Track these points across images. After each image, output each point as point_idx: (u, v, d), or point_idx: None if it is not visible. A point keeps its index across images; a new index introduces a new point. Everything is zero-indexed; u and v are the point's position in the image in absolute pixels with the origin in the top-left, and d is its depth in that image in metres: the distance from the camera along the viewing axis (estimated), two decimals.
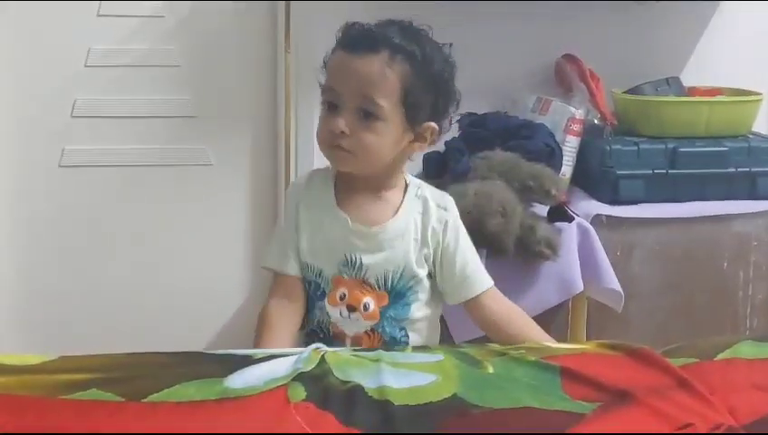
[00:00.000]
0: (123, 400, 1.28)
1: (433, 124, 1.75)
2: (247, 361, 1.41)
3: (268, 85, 2.76)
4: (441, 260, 1.80)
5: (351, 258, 1.75)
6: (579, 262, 2.33)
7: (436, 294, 1.83)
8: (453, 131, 2.45)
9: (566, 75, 2.75)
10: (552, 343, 1.82)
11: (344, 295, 1.76)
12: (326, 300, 1.76)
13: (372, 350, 1.51)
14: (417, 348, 1.54)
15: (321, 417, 1.27)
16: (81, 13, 2.63)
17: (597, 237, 2.38)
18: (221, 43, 2.72)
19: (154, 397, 1.29)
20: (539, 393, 1.34)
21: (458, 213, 1.84)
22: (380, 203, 1.78)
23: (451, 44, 1.76)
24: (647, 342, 1.58)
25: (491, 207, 2.17)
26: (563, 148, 2.57)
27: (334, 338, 1.77)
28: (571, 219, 2.37)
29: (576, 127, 2.61)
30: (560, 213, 2.38)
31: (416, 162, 2.16)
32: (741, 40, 2.92)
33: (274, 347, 1.66)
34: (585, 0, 2.75)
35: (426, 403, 1.30)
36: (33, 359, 1.40)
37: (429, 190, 1.83)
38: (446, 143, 2.41)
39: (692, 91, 2.78)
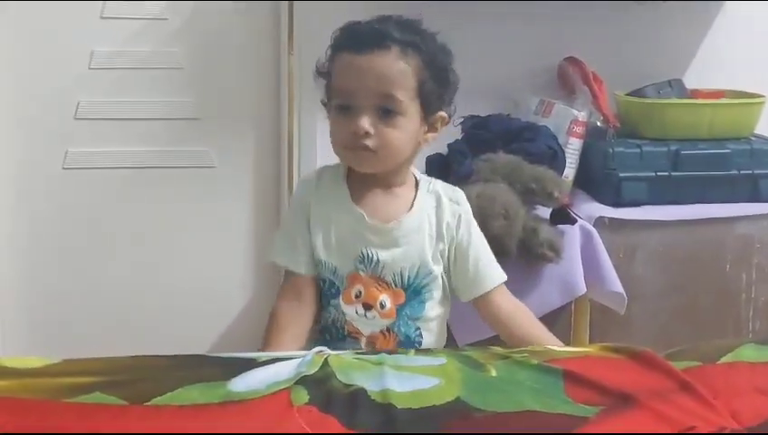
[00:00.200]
0: (126, 403, 1.28)
1: (443, 113, 1.77)
2: (250, 364, 1.41)
3: (271, 87, 2.76)
4: (455, 255, 1.81)
5: (367, 255, 1.74)
6: (581, 264, 2.33)
7: (447, 292, 1.83)
8: (456, 133, 2.46)
9: (569, 77, 2.75)
10: (555, 346, 1.83)
11: (360, 293, 1.75)
12: (341, 298, 1.75)
13: (375, 353, 1.51)
14: (419, 351, 1.54)
15: (324, 420, 1.27)
16: (85, 15, 2.64)
17: (600, 240, 2.38)
18: (224, 44, 2.73)
19: (157, 400, 1.29)
20: (542, 397, 1.34)
21: (470, 207, 1.86)
22: (394, 199, 1.79)
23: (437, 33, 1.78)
24: (649, 344, 1.57)
25: (493, 210, 2.17)
26: (566, 150, 2.57)
27: (348, 337, 1.76)
28: (573, 222, 2.37)
29: (579, 129, 2.61)
30: (562, 215, 2.38)
31: (418, 164, 2.16)
32: (744, 42, 2.92)
33: (284, 350, 1.65)
34: (588, 0, 2.75)
35: (428, 406, 1.30)
36: (36, 362, 1.40)
37: (441, 185, 1.85)
38: (449, 145, 2.41)
39: (695, 93, 2.78)
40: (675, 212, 2.53)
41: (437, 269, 1.79)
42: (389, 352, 1.51)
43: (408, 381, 1.36)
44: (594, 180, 2.62)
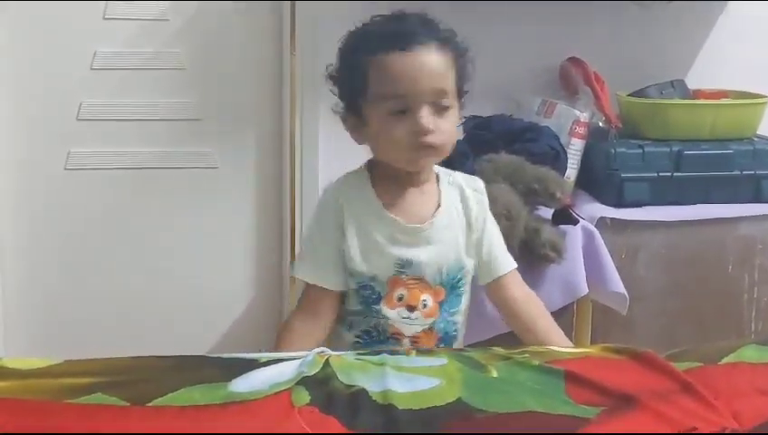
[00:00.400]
0: (128, 404, 1.28)
1: (462, 101, 1.80)
2: (252, 365, 1.41)
3: (273, 88, 2.76)
4: (481, 240, 1.84)
5: (407, 258, 1.75)
6: (583, 265, 2.34)
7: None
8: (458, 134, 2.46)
9: (571, 78, 2.75)
10: (561, 338, 1.85)
11: (402, 296, 1.76)
12: (383, 303, 1.75)
13: (377, 354, 1.51)
14: (420, 352, 1.54)
15: (325, 421, 1.27)
16: (87, 16, 2.64)
17: (602, 240, 2.38)
18: (226, 45, 2.73)
19: (158, 401, 1.29)
20: (543, 397, 1.34)
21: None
22: (423, 197, 1.79)
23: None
24: (651, 345, 1.57)
25: (495, 210, 2.16)
26: (568, 151, 2.58)
27: (390, 339, 1.76)
28: (575, 222, 2.37)
29: (581, 130, 2.61)
30: (564, 216, 2.38)
31: None
32: (746, 43, 2.92)
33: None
34: (590, 0, 2.74)
35: (430, 407, 1.30)
36: (38, 363, 1.40)
37: (460, 176, 1.86)
38: None
39: (697, 93, 2.78)
40: (677, 213, 2.53)
41: (470, 262, 1.82)
42: (391, 353, 1.51)
43: (409, 381, 1.36)
44: (596, 181, 2.62)
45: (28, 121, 2.67)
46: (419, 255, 1.75)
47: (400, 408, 1.29)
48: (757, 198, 2.60)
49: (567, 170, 2.56)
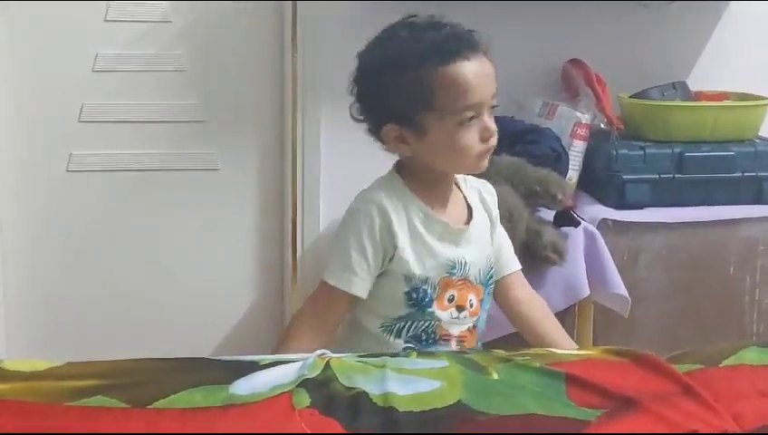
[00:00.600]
0: (129, 406, 1.28)
1: None
2: (253, 367, 1.40)
3: (275, 89, 2.76)
4: (494, 239, 1.89)
5: (455, 258, 1.77)
6: (585, 267, 2.34)
7: None
8: None
9: (572, 80, 2.75)
10: (564, 339, 1.87)
11: (453, 297, 1.78)
12: (435, 305, 1.77)
13: (378, 355, 1.51)
14: (421, 354, 1.54)
15: (326, 423, 1.27)
16: (89, 18, 2.64)
17: (603, 242, 2.38)
18: (227, 47, 2.73)
19: (159, 403, 1.29)
20: (543, 400, 1.34)
21: None
22: (456, 200, 1.83)
23: None
24: (653, 346, 1.57)
25: None
26: (570, 152, 2.58)
27: (439, 340, 1.79)
28: (577, 224, 2.37)
29: (582, 131, 2.61)
30: (566, 218, 2.38)
31: None
32: (748, 44, 2.92)
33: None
34: (592, 0, 2.74)
35: (430, 410, 1.30)
36: (39, 365, 1.40)
37: (473, 179, 1.89)
38: None
39: (699, 95, 2.78)
40: (678, 214, 2.53)
41: (493, 259, 1.86)
42: (393, 356, 1.51)
43: (409, 384, 1.36)
44: (598, 182, 2.62)
45: (30, 123, 2.67)
46: (465, 255, 1.78)
47: (401, 410, 1.29)
48: (758, 200, 2.60)
49: (568, 172, 2.56)
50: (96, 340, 2.70)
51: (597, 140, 2.65)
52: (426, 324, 1.77)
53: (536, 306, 1.93)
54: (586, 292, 2.33)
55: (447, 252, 1.77)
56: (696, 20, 2.89)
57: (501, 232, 1.93)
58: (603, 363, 1.49)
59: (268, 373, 1.38)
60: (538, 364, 1.45)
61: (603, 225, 2.46)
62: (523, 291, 1.93)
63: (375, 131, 1.77)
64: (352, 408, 1.30)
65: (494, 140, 1.73)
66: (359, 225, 1.75)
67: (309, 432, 1.25)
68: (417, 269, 1.75)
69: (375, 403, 1.31)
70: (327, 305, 1.78)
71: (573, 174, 2.60)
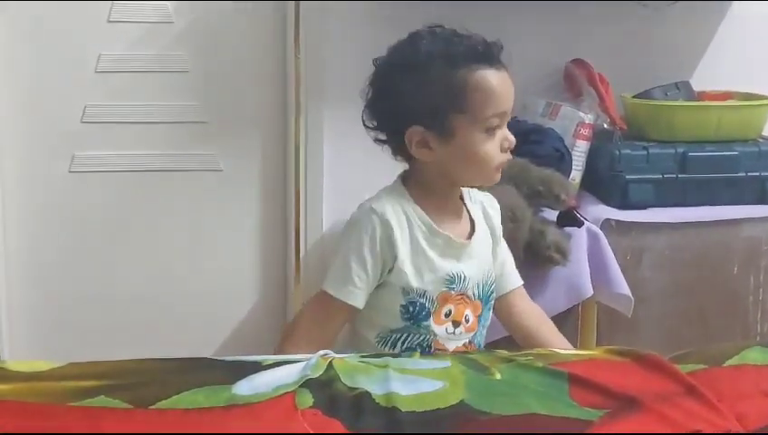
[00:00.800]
0: (131, 406, 1.28)
1: None
2: (255, 367, 1.41)
3: (277, 90, 2.76)
4: (496, 255, 1.88)
5: (455, 273, 1.76)
6: (588, 267, 2.34)
7: None
8: None
9: (575, 80, 2.75)
10: (564, 350, 1.84)
11: (450, 312, 1.77)
12: (431, 319, 1.76)
13: (380, 356, 1.51)
14: (424, 355, 1.54)
15: (329, 424, 1.27)
16: (91, 18, 2.64)
17: (606, 242, 2.38)
18: (230, 47, 2.73)
19: (162, 404, 1.29)
20: (546, 400, 1.34)
21: None
22: (459, 213, 1.82)
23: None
24: (656, 346, 1.57)
25: (500, 212, 2.17)
26: (573, 152, 2.57)
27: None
28: (580, 224, 2.37)
29: (585, 131, 2.61)
30: (569, 218, 2.38)
31: None
32: (751, 44, 2.91)
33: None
34: (594, 0, 2.74)
35: (433, 410, 1.30)
36: (42, 365, 1.40)
37: (476, 192, 1.88)
38: None
39: (702, 95, 2.77)
40: (682, 214, 2.53)
41: (494, 274, 1.85)
42: (396, 356, 1.51)
43: (412, 384, 1.36)
44: (601, 183, 2.61)
45: (32, 124, 2.67)
46: (465, 270, 1.77)
47: (404, 410, 1.29)
48: (762, 200, 2.59)
49: (572, 172, 2.56)
50: (98, 340, 2.70)
51: (600, 141, 2.65)
52: (421, 338, 1.77)
53: (536, 316, 1.93)
54: (589, 292, 2.33)
55: (447, 266, 1.76)
56: (699, 19, 2.89)
57: (504, 246, 1.92)
58: (606, 363, 1.49)
59: (271, 374, 1.39)
60: (541, 364, 1.45)
61: (606, 225, 2.45)
62: (523, 304, 1.93)
63: (392, 136, 1.76)
64: (355, 408, 1.30)
65: (509, 153, 1.75)
66: (360, 235, 1.74)
67: (312, 432, 1.25)
68: (415, 282, 1.74)
69: (378, 403, 1.31)
70: (326, 315, 1.78)
71: (576, 174, 2.60)
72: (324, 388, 1.35)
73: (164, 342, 2.65)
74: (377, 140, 1.79)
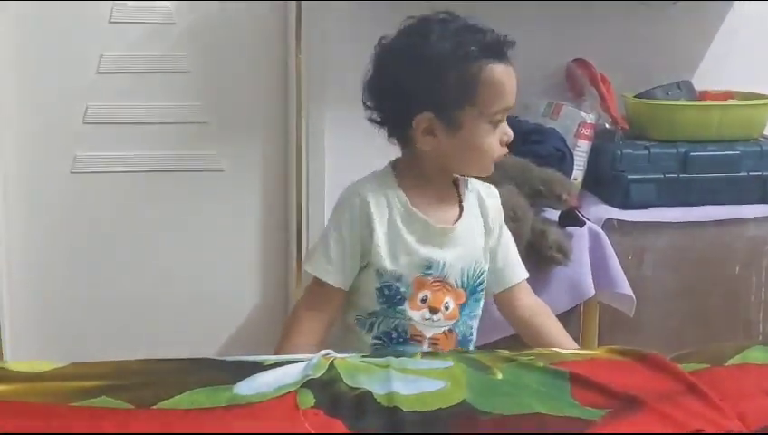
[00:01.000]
0: (133, 407, 1.28)
1: None
2: (257, 367, 1.41)
3: (279, 90, 2.76)
4: (497, 247, 1.87)
5: (433, 258, 1.76)
6: (590, 266, 2.33)
7: None
8: None
9: (577, 79, 2.75)
10: (565, 349, 1.84)
11: (426, 298, 1.77)
12: (406, 304, 1.76)
13: (383, 356, 1.51)
14: (426, 354, 1.54)
15: (330, 423, 1.27)
16: (93, 19, 2.64)
17: (608, 242, 2.38)
18: (231, 48, 2.73)
19: (163, 404, 1.29)
20: (548, 399, 1.34)
21: None
22: (448, 200, 1.82)
23: None
24: (658, 346, 1.57)
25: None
26: (574, 152, 2.57)
27: (411, 340, 1.77)
28: (582, 224, 2.37)
29: (587, 131, 2.61)
30: (571, 217, 2.38)
31: None
32: (753, 43, 2.91)
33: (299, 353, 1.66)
34: (595, 1, 2.74)
35: (434, 410, 1.30)
36: (43, 365, 1.40)
37: (476, 182, 1.87)
38: None
39: (703, 94, 2.77)
40: (683, 214, 2.53)
41: (486, 266, 1.84)
42: (398, 356, 1.51)
43: (413, 384, 1.36)
44: (602, 182, 2.61)
45: (34, 125, 2.67)
46: (445, 256, 1.77)
47: (405, 410, 1.29)
48: (764, 199, 2.59)
49: (573, 172, 2.56)
50: (100, 341, 2.70)
51: (602, 140, 2.65)
52: (396, 322, 1.77)
53: (542, 313, 1.92)
54: (591, 292, 2.33)
55: (425, 251, 1.75)
56: (700, 19, 2.89)
57: (507, 239, 1.91)
58: (608, 363, 1.49)
59: (272, 374, 1.39)
60: (542, 364, 1.45)
61: (608, 225, 2.45)
62: (530, 299, 1.92)
63: (394, 119, 1.77)
64: (357, 408, 1.30)
65: (507, 147, 1.77)
66: (341, 215, 1.78)
67: (313, 432, 1.25)
68: (389, 265, 1.75)
69: (379, 403, 1.31)
70: (318, 300, 1.81)
71: (578, 174, 2.60)
72: (326, 388, 1.35)
73: (165, 342, 2.66)
74: (371, 120, 1.79)
